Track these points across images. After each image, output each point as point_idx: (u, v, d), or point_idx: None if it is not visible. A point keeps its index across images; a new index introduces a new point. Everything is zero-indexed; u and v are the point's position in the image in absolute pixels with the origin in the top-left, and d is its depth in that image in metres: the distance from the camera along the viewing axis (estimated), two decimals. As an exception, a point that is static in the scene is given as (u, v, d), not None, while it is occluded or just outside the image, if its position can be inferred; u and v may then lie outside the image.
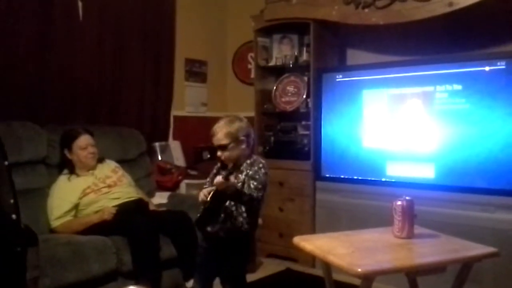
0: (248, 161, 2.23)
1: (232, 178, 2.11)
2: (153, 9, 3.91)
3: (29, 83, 3.11)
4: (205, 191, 2.16)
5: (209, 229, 2.20)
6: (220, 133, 2.18)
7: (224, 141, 2.17)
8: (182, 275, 2.73)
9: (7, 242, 1.52)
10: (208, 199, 2.11)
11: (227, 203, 2.15)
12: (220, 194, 2.11)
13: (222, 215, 2.16)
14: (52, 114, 3.24)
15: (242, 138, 2.20)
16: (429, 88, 3.05)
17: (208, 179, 2.35)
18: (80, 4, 3.41)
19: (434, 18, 2.99)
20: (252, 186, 2.14)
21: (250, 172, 2.18)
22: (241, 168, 2.21)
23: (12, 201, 1.39)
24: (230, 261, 2.22)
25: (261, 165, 2.22)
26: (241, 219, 2.16)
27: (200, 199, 2.17)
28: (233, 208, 2.16)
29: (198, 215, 2.24)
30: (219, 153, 2.21)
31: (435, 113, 3.03)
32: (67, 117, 3.31)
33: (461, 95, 2.92)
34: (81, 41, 3.40)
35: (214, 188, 2.11)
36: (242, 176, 2.17)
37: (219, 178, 2.07)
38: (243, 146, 2.21)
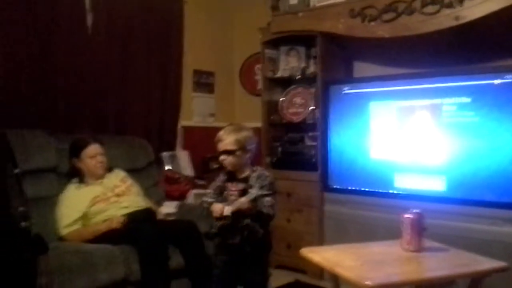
0: (254, 174, 2.27)
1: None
2: (161, 21, 3.95)
3: (38, 92, 3.14)
4: (219, 207, 2.18)
5: (230, 241, 2.24)
6: (228, 138, 2.23)
7: (232, 147, 2.23)
8: (191, 285, 2.72)
9: (18, 249, 1.53)
10: (229, 213, 2.16)
11: (248, 220, 2.19)
12: (240, 212, 2.15)
13: (246, 232, 2.20)
14: (61, 123, 3.26)
15: (249, 148, 2.26)
16: (437, 101, 3.06)
17: (211, 190, 2.35)
18: (88, 15, 3.45)
19: (441, 32, 3.00)
20: (266, 204, 2.18)
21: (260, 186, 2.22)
22: (249, 182, 2.24)
23: (22, 209, 1.41)
24: (255, 270, 2.27)
25: (269, 178, 2.27)
26: (262, 231, 2.23)
27: (215, 214, 2.19)
28: (254, 224, 2.20)
29: (213, 230, 2.26)
30: (223, 157, 2.25)
31: (443, 126, 3.03)
32: (75, 126, 3.33)
33: (470, 108, 2.92)
34: (89, 51, 3.43)
35: (234, 207, 2.14)
36: (253, 191, 2.20)
37: (244, 200, 2.11)
38: (248, 155, 2.27)
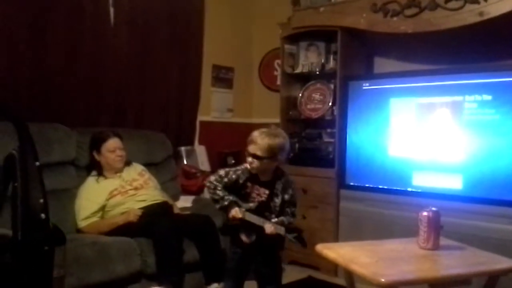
0: (280, 183, 2.25)
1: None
2: (182, 15, 3.97)
3: (59, 86, 3.18)
4: (237, 212, 2.16)
5: (244, 238, 2.23)
6: (261, 144, 2.16)
7: (262, 153, 2.16)
8: (204, 278, 2.75)
9: (36, 240, 1.56)
10: (242, 216, 2.16)
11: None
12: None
13: (260, 233, 2.20)
14: (82, 117, 3.31)
15: (280, 157, 2.21)
16: (458, 98, 3.01)
17: (226, 179, 2.24)
18: (111, 10, 3.48)
19: (464, 28, 2.94)
20: (290, 212, 2.21)
21: (287, 197, 2.23)
22: (274, 190, 2.23)
23: (42, 200, 1.43)
24: (269, 264, 2.29)
25: (293, 186, 2.27)
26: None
27: (230, 215, 2.18)
28: None
29: (225, 223, 2.26)
30: (250, 159, 2.19)
31: (463, 123, 2.98)
32: (95, 120, 3.38)
33: (491, 106, 2.87)
34: (111, 46, 3.47)
35: (271, 230, 2.14)
36: (277, 200, 2.22)
37: (272, 230, 2.12)
38: (276, 163, 2.23)
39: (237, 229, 2.23)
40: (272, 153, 2.16)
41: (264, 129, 2.22)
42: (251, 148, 2.18)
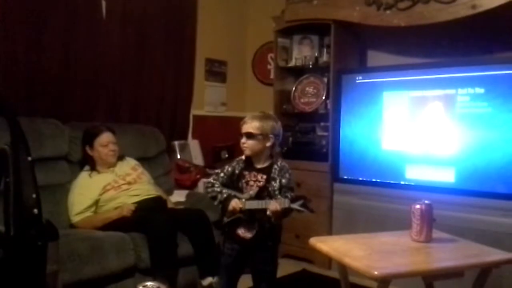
0: (277, 167, 2.25)
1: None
2: (175, 9, 3.95)
3: (52, 80, 3.16)
4: (237, 203, 2.16)
5: (243, 234, 2.23)
6: (253, 122, 2.21)
7: (254, 131, 2.20)
8: (199, 272, 2.75)
9: (29, 236, 1.55)
10: (243, 207, 2.15)
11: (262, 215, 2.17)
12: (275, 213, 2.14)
13: (261, 226, 2.20)
14: (74, 111, 3.29)
15: (271, 136, 2.23)
16: (451, 91, 3.02)
17: (222, 174, 2.28)
18: (103, 3, 3.46)
19: (457, 21, 2.95)
20: (289, 196, 2.18)
21: (284, 181, 2.23)
22: (271, 174, 2.23)
23: (34, 196, 1.42)
24: (265, 259, 2.27)
25: (290, 171, 2.27)
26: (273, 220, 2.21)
27: (231, 208, 2.17)
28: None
29: (226, 219, 2.23)
30: (243, 140, 2.22)
31: (456, 117, 3.00)
32: (88, 115, 3.36)
33: (483, 99, 2.88)
34: (104, 39, 3.44)
35: (275, 206, 2.12)
36: (275, 184, 2.21)
37: (276, 207, 2.10)
38: (269, 144, 2.23)
39: (236, 225, 2.22)
40: (264, 132, 2.20)
41: (255, 114, 2.28)
42: (244, 128, 2.23)
